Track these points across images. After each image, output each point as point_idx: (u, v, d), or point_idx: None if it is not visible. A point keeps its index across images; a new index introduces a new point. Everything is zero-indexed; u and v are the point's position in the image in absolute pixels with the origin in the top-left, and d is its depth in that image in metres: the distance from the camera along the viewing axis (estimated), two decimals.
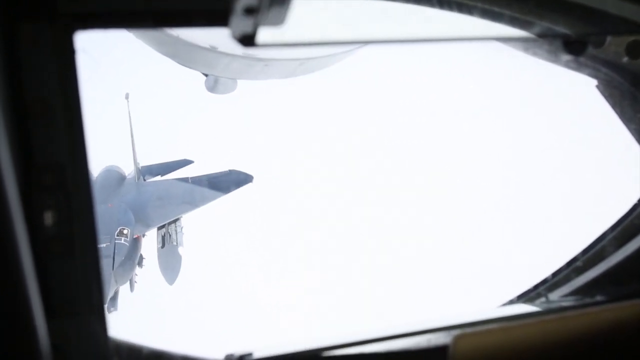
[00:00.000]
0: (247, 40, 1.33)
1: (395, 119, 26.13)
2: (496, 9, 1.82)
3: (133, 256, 9.02)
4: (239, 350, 1.96)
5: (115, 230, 8.38)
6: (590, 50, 2.52)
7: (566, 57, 2.23)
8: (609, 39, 2.49)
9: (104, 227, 7.86)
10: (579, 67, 2.67)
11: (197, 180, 10.52)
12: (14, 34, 1.54)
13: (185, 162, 11.59)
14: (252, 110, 24.12)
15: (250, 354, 1.94)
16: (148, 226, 9.24)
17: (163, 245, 9.88)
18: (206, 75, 11.19)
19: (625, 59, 2.55)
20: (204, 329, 20.53)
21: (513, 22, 1.84)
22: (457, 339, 1.91)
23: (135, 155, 10.40)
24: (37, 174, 1.60)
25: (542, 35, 2.04)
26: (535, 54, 2.64)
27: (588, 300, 2.52)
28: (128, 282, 9.48)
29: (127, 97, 10.60)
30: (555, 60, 2.58)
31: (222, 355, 1.96)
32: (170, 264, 9.87)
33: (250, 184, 11.71)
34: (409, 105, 26.02)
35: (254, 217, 25.05)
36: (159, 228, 9.86)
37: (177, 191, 9.89)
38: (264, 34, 1.31)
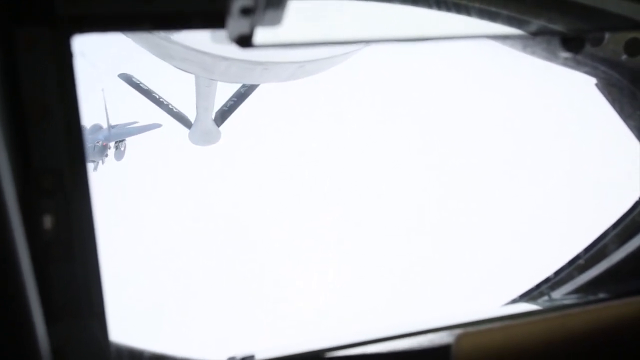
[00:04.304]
0: (244, 41, 1.32)
1: (396, 120, 26.17)
2: (493, 9, 1.82)
3: (103, 151, 20.80)
4: (241, 353, 1.95)
5: (96, 141, 20.29)
6: (589, 48, 2.52)
7: (564, 54, 2.22)
8: (607, 36, 2.48)
9: (93, 141, 20.22)
10: (577, 65, 2.66)
11: (131, 126, 22.65)
12: (12, 38, 1.53)
13: (134, 122, 22.74)
14: (253, 113, 24.15)
15: (252, 356, 1.94)
16: (109, 141, 21.20)
17: (117, 149, 21.69)
18: (189, 127, 17.45)
19: (623, 57, 2.54)
20: (206, 326, 20.70)
21: (510, 20, 1.84)
22: (459, 338, 1.90)
23: (108, 118, 21.48)
24: (35, 178, 1.59)
25: (540, 33, 2.04)
26: (533, 53, 2.64)
27: (591, 297, 2.51)
28: (100, 161, 20.91)
29: (102, 90, 20.36)
30: (553, 58, 2.58)
31: (224, 357, 1.95)
32: (117, 155, 21.61)
33: (158, 129, 22.66)
34: (409, 105, 26.06)
35: (255, 220, 25.08)
36: (115, 142, 21.63)
37: (122, 130, 22.00)
38: (261, 35, 1.30)
